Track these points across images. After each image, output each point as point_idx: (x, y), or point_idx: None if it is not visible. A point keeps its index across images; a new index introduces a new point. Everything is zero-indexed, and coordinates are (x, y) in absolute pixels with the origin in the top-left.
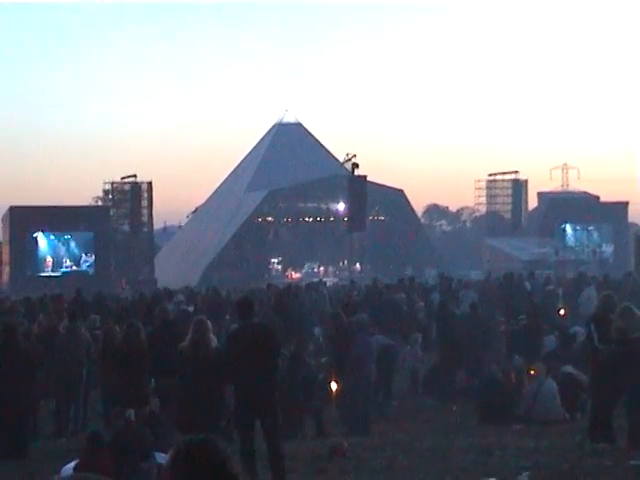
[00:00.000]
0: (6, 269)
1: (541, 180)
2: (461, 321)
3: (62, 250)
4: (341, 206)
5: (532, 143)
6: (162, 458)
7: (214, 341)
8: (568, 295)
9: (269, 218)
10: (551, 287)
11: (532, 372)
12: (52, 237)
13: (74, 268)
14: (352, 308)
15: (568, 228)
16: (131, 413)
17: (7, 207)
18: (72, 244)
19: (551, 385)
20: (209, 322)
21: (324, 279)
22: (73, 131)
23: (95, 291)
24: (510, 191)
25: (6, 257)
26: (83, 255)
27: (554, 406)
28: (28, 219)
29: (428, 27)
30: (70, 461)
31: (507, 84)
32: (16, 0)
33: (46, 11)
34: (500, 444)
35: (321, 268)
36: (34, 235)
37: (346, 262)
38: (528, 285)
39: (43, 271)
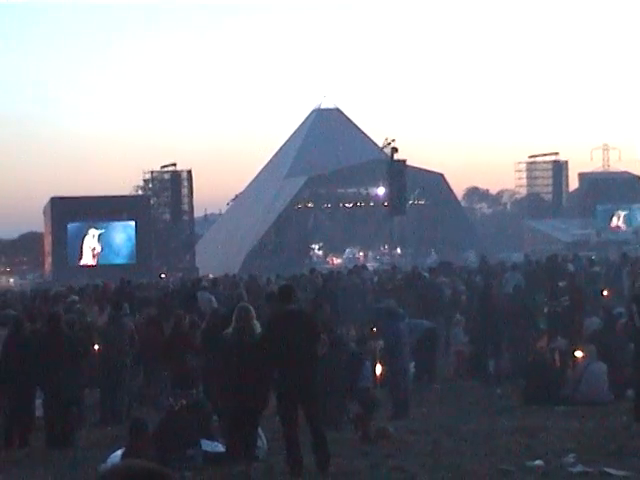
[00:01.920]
0: (48, 259)
1: (582, 161)
2: (504, 303)
3: (103, 239)
4: (381, 191)
5: (572, 124)
6: (207, 445)
7: (258, 327)
8: (611, 276)
9: (309, 204)
10: (596, 269)
11: (579, 353)
12: (93, 227)
13: (114, 257)
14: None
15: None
16: (178, 401)
17: (48, 198)
18: (113, 233)
19: (599, 366)
20: (252, 309)
21: (367, 264)
22: (113, 121)
23: (137, 280)
24: (550, 172)
25: (48, 247)
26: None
27: (600, 387)
28: (69, 210)
29: (463, 11)
30: (116, 449)
31: (547, 65)
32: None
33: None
34: (545, 426)
35: (361, 253)
36: (75, 225)
37: (387, 247)
38: (571, 267)
39: (84, 260)
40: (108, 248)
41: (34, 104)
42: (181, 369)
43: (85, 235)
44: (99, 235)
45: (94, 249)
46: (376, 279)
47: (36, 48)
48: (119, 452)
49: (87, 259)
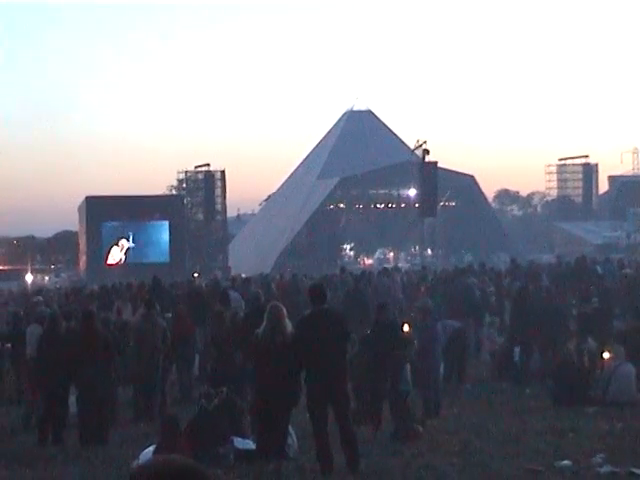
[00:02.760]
0: (83, 258)
1: (612, 164)
2: (536, 305)
3: (137, 239)
4: (412, 192)
5: (602, 127)
6: (239, 442)
7: (289, 327)
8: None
9: (341, 205)
10: (628, 270)
11: (607, 354)
12: (126, 226)
13: (148, 256)
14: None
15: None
16: (210, 399)
17: (83, 198)
18: (146, 233)
19: (628, 368)
20: (284, 308)
21: (398, 264)
22: (148, 123)
23: (170, 279)
24: (581, 175)
25: (82, 246)
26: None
27: (629, 388)
28: (103, 209)
29: (496, 17)
30: (148, 446)
31: (579, 69)
32: None
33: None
34: (574, 426)
35: (392, 254)
36: (109, 224)
37: (417, 248)
38: (599, 269)
39: (116, 259)
40: (141, 247)
41: (69, 107)
42: (218, 366)
43: (119, 235)
44: (132, 235)
45: (127, 249)
46: (406, 279)
47: (70, 52)
48: (151, 449)
49: (120, 258)
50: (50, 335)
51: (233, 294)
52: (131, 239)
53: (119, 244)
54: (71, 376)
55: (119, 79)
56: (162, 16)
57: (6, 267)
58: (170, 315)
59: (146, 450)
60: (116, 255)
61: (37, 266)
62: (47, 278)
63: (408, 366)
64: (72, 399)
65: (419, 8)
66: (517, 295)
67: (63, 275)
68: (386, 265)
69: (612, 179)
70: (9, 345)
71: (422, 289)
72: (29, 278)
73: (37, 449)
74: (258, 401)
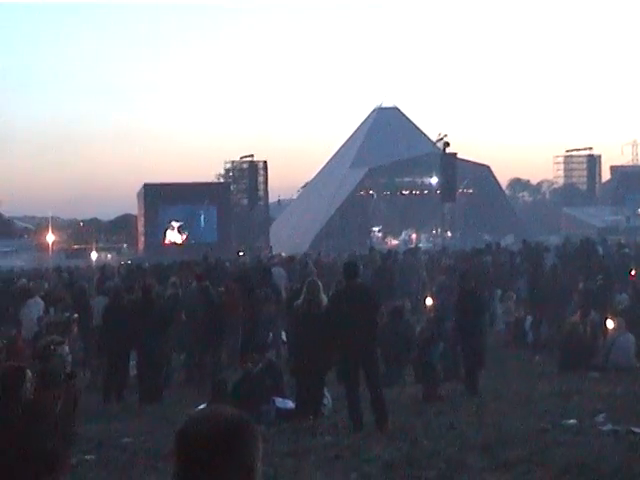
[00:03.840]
0: (141, 238)
1: (613, 155)
2: (546, 280)
3: (188, 222)
4: (434, 180)
5: (605, 121)
6: (279, 402)
7: (325, 299)
8: (638, 258)
9: (370, 192)
10: (626, 250)
11: (610, 324)
12: (180, 210)
13: (198, 237)
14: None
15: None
16: (255, 364)
17: (142, 185)
18: (197, 216)
19: (628, 337)
20: (320, 283)
21: (420, 245)
22: (198, 117)
23: (216, 257)
24: (585, 165)
25: (141, 228)
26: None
27: (629, 356)
28: (159, 195)
29: (507, 11)
30: (199, 405)
31: (584, 69)
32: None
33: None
34: (578, 389)
35: (415, 235)
36: (165, 208)
37: (438, 230)
38: (600, 249)
39: (171, 240)
40: (193, 229)
41: (127, 105)
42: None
43: (173, 218)
44: (185, 218)
45: (180, 230)
46: (427, 258)
47: (130, 49)
48: (202, 407)
49: (174, 239)
50: (114, 306)
51: (277, 269)
52: (184, 222)
53: (173, 226)
54: (131, 343)
55: (178, 81)
56: (208, 14)
57: (74, 246)
58: (221, 289)
59: (197, 408)
60: (171, 236)
61: (101, 245)
62: (110, 256)
63: (442, 344)
64: (132, 363)
65: (439, 21)
66: (527, 272)
67: (124, 253)
68: (410, 245)
69: (613, 169)
70: (76, 315)
71: (443, 267)
72: (94, 256)
73: (102, 407)
74: (297, 365)
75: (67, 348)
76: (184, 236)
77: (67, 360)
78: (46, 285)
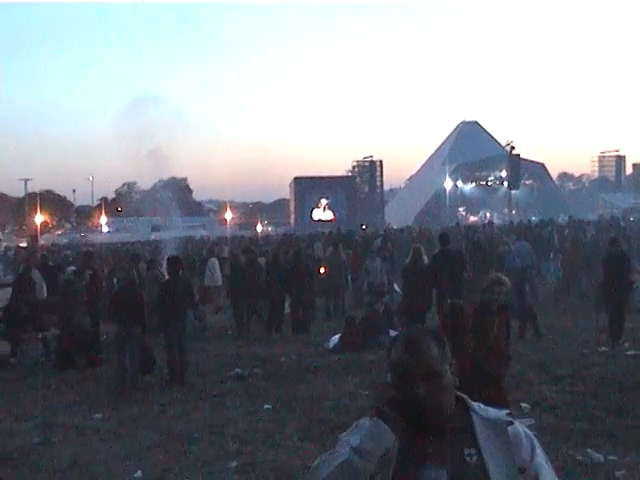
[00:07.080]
0: (292, 216)
1: (637, 154)
2: (585, 247)
3: (327, 205)
4: (503, 174)
5: (630, 127)
6: (392, 333)
7: (426, 260)
8: None
9: (457, 182)
10: None
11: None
12: (320, 196)
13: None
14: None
15: None
16: (376, 305)
17: (292, 177)
18: (333, 201)
19: None
20: (422, 248)
21: (493, 220)
22: (328, 124)
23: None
24: (614, 163)
25: (292, 209)
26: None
27: None
28: (305, 185)
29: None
30: (334, 334)
31: (617, 80)
32: None
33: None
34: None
35: (488, 214)
36: (309, 194)
37: (506, 210)
38: (622, 224)
39: (316, 217)
40: (329, 210)
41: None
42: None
43: (317, 202)
44: (326, 202)
45: (327, 208)
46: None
47: (224, 59)
48: (336, 337)
49: (320, 216)
50: (274, 264)
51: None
52: (325, 205)
53: (322, 203)
54: (286, 290)
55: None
56: (306, 23)
57: (243, 221)
58: (349, 252)
59: (333, 337)
60: (317, 214)
61: (265, 221)
62: (270, 229)
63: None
64: (287, 304)
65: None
66: (573, 241)
67: (279, 228)
68: (485, 221)
69: (635, 166)
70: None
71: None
72: (259, 229)
73: (264, 335)
74: (405, 306)
75: None
76: (330, 213)
77: None
78: (225, 249)
